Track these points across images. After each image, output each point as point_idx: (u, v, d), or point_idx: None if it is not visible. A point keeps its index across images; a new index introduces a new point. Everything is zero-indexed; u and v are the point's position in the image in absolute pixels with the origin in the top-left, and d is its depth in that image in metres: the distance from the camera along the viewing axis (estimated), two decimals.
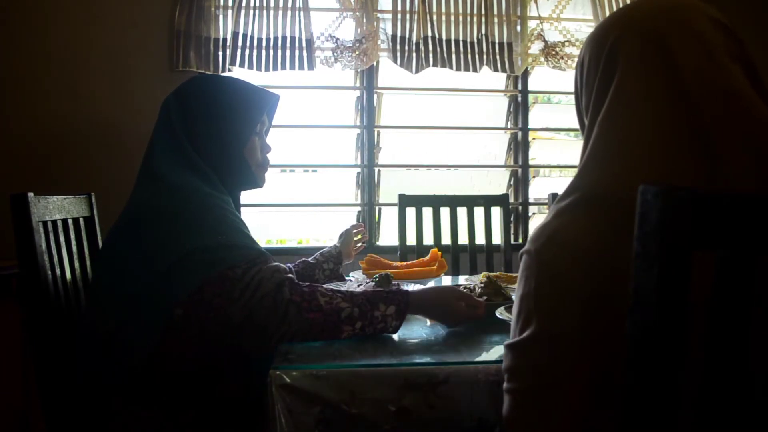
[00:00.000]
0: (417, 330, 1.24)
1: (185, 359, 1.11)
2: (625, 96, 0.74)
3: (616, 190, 0.71)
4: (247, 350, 1.12)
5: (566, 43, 2.73)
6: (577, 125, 0.89)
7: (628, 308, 0.54)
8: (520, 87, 2.86)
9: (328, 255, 1.75)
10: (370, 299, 1.13)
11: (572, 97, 0.89)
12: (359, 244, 1.87)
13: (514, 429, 0.77)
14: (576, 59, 3.00)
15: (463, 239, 2.25)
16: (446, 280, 1.83)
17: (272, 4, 2.55)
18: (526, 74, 2.83)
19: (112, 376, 1.09)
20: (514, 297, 0.82)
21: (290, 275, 1.12)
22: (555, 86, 2.97)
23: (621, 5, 2.74)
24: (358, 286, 1.41)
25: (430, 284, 1.54)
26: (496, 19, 2.70)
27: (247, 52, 2.53)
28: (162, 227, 1.11)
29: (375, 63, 2.67)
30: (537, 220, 2.87)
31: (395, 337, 1.18)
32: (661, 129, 0.71)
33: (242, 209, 2.78)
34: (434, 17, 2.65)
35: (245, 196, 2.40)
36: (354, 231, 1.84)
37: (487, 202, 2.30)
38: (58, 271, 1.27)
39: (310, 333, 1.08)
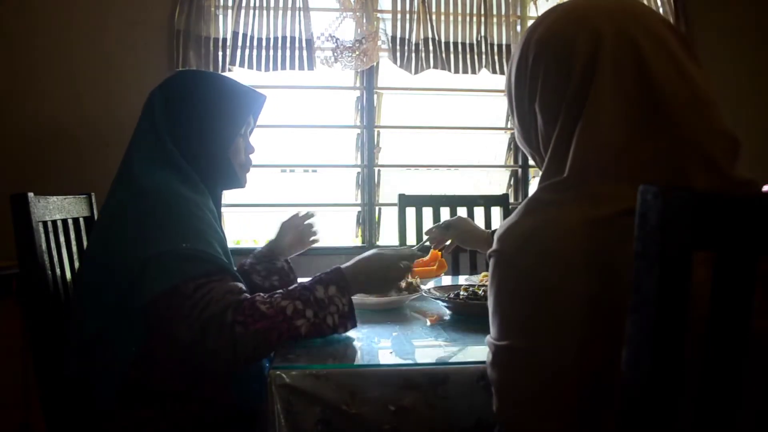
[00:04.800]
0: (417, 330, 1.24)
1: (165, 365, 1.11)
2: (600, 104, 0.74)
3: (593, 192, 0.71)
4: (207, 371, 1.08)
5: None
6: None
7: (628, 308, 0.54)
8: None
9: (259, 255, 1.55)
10: (306, 286, 1.10)
11: None
12: (313, 231, 1.62)
13: (502, 420, 0.78)
14: None
15: None
16: (446, 280, 1.83)
17: (272, 4, 2.55)
18: None
19: (98, 378, 1.09)
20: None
21: (243, 295, 1.07)
22: None
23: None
24: None
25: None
26: (495, 20, 2.70)
27: (246, 51, 2.53)
28: (130, 230, 1.09)
29: (375, 63, 2.67)
30: None
31: (395, 336, 1.18)
32: (636, 138, 0.72)
33: (242, 209, 2.79)
34: (434, 17, 2.65)
35: (244, 197, 2.40)
36: (300, 216, 1.62)
37: (487, 202, 2.30)
38: (58, 271, 1.27)
39: (269, 343, 1.03)
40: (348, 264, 1.18)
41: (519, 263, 0.73)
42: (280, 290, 1.11)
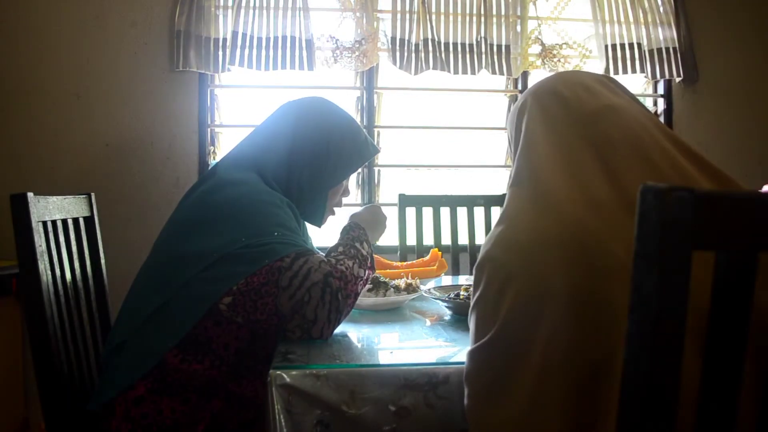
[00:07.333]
0: (417, 330, 1.24)
1: (226, 350, 1.12)
2: (532, 128, 0.91)
3: (537, 202, 0.82)
4: (291, 338, 1.13)
5: (563, 45, 2.72)
6: None
7: (629, 308, 0.54)
8: (520, 87, 2.86)
9: None
10: (353, 244, 1.24)
11: None
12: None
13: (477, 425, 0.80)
14: (572, 61, 3.03)
15: (463, 239, 2.25)
16: (446, 280, 1.83)
17: (272, 4, 2.55)
18: (525, 74, 2.83)
19: (143, 355, 1.10)
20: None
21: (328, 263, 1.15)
22: None
23: (619, 4, 2.74)
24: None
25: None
26: (495, 20, 2.70)
27: (246, 51, 2.52)
28: (224, 219, 1.14)
29: (375, 64, 2.67)
30: None
31: (395, 337, 1.18)
32: (563, 147, 0.86)
33: None
34: (433, 18, 2.65)
35: None
36: None
37: (487, 202, 2.30)
38: (58, 271, 1.27)
39: (354, 302, 1.15)
40: (358, 220, 1.33)
41: (492, 260, 0.81)
42: (339, 247, 1.22)
